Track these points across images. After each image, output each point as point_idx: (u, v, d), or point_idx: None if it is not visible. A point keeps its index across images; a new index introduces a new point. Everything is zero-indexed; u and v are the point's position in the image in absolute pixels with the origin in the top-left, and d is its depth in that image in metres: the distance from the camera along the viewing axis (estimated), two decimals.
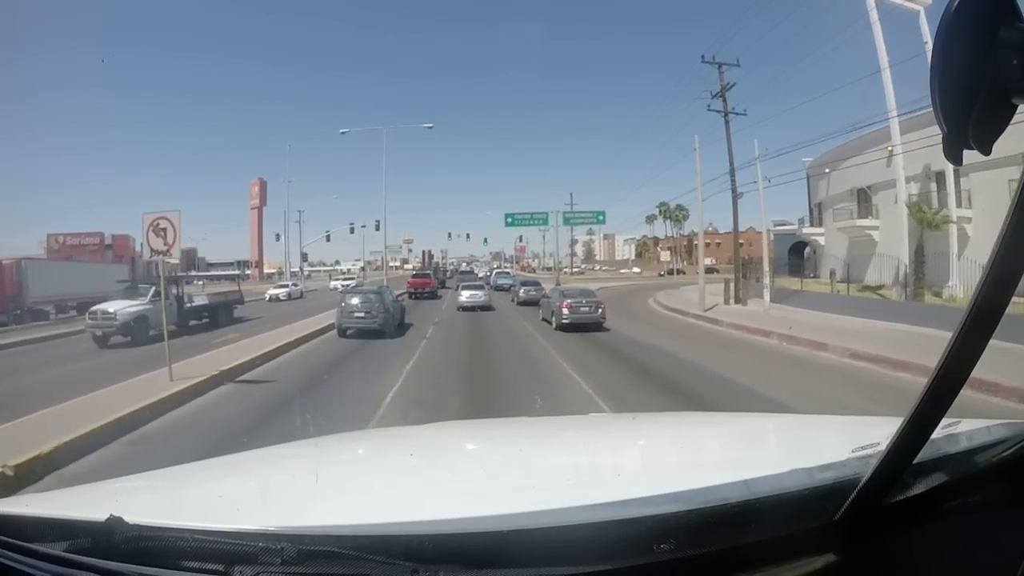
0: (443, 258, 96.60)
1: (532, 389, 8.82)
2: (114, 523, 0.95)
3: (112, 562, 0.94)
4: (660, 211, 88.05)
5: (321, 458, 1.82)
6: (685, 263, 75.99)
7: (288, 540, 0.93)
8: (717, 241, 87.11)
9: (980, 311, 0.73)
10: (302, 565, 0.90)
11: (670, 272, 65.38)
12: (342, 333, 15.33)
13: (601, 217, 42.92)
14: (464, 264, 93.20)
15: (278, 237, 58.31)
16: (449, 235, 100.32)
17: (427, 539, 0.93)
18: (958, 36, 0.63)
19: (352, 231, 48.21)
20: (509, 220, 40.68)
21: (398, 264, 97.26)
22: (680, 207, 79.27)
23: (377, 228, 42.10)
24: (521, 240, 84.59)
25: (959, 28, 0.62)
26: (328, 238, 51.79)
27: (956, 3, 0.62)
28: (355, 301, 15.46)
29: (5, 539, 1.01)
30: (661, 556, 0.92)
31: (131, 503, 1.23)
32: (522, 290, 26.63)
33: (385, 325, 15.29)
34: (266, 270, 67.57)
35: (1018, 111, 0.63)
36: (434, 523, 1.01)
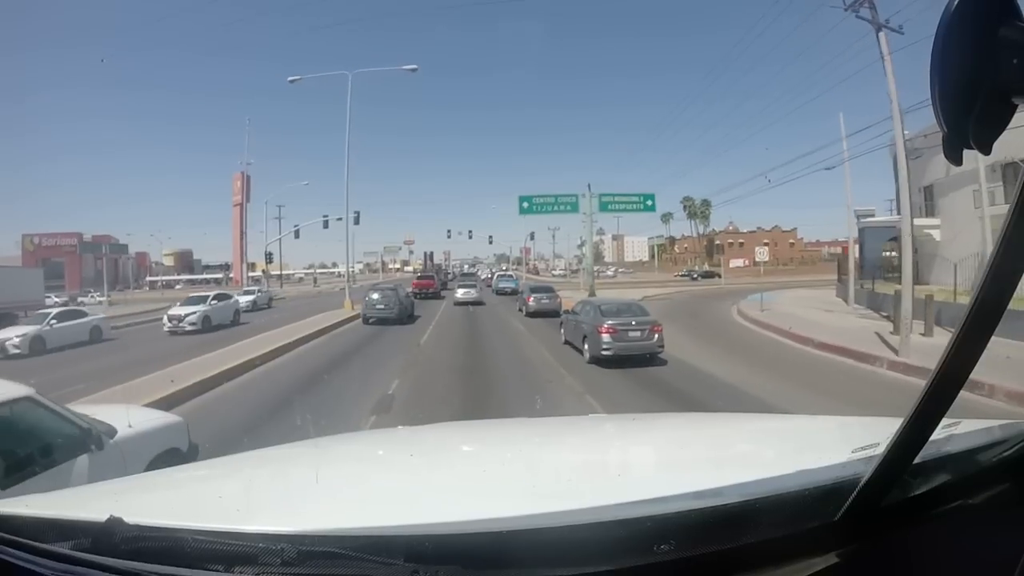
0: (446, 260, 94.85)
1: None
2: (114, 523, 0.96)
3: (112, 561, 0.94)
4: (684, 207, 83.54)
5: (321, 458, 1.82)
6: (707, 265, 70.82)
7: (288, 540, 0.93)
8: (740, 241, 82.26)
9: (980, 311, 0.73)
10: (302, 565, 0.90)
11: (707, 275, 56.18)
12: (365, 321, 20.03)
13: (650, 202, 30.44)
14: (467, 266, 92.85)
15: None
16: (448, 233, 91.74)
17: (427, 539, 0.93)
18: (958, 36, 0.63)
19: (326, 225, 40.42)
20: (525, 206, 29.58)
21: (398, 266, 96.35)
22: (706, 202, 74.37)
23: (357, 222, 33.30)
24: (532, 238, 77.16)
25: (959, 28, 0.62)
26: (297, 234, 46.29)
27: (956, 3, 0.62)
28: (376, 296, 20.45)
29: (9, 536, 1.01)
30: (661, 556, 0.92)
31: (131, 503, 1.23)
32: (532, 298, 21.84)
33: (399, 315, 20.26)
34: (254, 272, 61.14)
35: (1018, 111, 0.63)
36: (434, 524, 1.01)
